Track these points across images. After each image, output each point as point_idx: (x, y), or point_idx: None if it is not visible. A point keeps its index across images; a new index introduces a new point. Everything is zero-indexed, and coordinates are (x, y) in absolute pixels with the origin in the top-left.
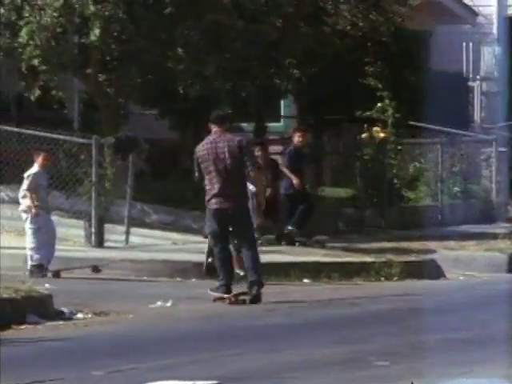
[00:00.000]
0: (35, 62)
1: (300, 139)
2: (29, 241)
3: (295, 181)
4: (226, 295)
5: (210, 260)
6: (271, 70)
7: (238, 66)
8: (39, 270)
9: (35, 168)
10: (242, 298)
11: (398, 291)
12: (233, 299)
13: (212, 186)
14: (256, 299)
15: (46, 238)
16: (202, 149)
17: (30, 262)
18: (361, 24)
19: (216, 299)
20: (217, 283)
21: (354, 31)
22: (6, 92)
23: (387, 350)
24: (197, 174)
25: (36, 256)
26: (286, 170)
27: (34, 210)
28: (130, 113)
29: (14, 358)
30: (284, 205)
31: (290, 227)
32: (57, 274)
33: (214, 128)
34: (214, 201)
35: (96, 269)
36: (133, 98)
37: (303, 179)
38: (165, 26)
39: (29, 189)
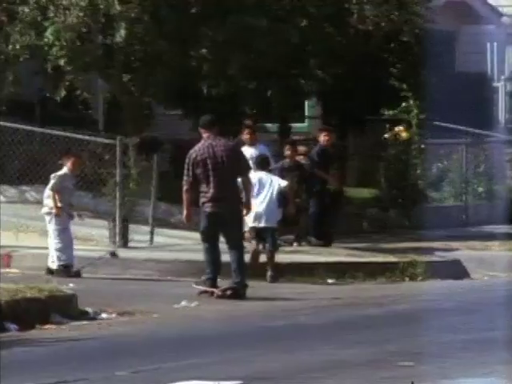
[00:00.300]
0: (61, 62)
1: (326, 138)
2: (55, 241)
3: (331, 179)
4: (213, 289)
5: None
6: (295, 71)
7: (263, 67)
8: (67, 270)
9: (63, 170)
10: (228, 292)
11: (423, 291)
12: (219, 293)
13: (208, 189)
14: (240, 297)
15: (70, 238)
16: (198, 153)
17: (57, 263)
18: (383, 24)
19: (201, 293)
20: (202, 277)
21: (376, 31)
22: (31, 92)
23: (412, 350)
24: (189, 178)
25: (63, 256)
26: (318, 172)
27: (54, 211)
28: (155, 113)
29: (37, 357)
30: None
31: (312, 239)
32: (77, 274)
33: (205, 133)
34: (209, 204)
35: (114, 254)
36: (157, 98)
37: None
38: (189, 25)
39: (52, 189)
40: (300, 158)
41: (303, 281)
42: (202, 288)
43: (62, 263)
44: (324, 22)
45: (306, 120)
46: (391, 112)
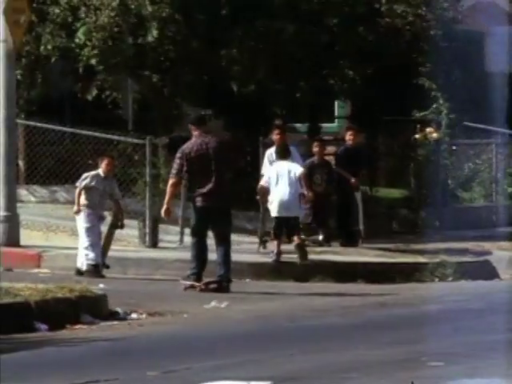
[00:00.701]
0: (93, 61)
1: (351, 137)
2: (83, 240)
3: (352, 180)
4: (196, 283)
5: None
6: (325, 71)
7: (292, 68)
8: (96, 269)
9: (97, 171)
10: (212, 286)
11: (453, 292)
12: (203, 287)
13: (202, 185)
14: (224, 291)
15: (98, 237)
16: (192, 150)
17: (86, 262)
18: (410, 19)
19: (187, 288)
20: (188, 272)
21: (405, 28)
22: (61, 92)
23: (441, 350)
24: (178, 173)
25: (91, 255)
26: (340, 170)
27: (75, 208)
28: (184, 113)
29: (68, 358)
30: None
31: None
32: (107, 266)
33: (196, 130)
34: (200, 199)
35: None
36: (187, 98)
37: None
38: (220, 27)
39: (78, 186)
40: (330, 158)
41: (333, 281)
42: (187, 283)
43: (90, 262)
44: (354, 21)
45: (336, 120)
46: (422, 113)
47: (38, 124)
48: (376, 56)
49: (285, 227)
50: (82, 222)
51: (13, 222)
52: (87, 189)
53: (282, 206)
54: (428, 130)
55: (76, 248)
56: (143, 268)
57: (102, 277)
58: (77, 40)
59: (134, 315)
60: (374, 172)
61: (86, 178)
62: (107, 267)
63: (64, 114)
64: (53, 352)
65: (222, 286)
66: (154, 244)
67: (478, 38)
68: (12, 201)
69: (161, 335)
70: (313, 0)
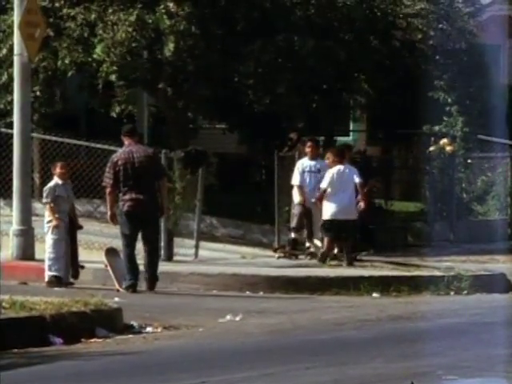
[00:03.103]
0: (112, 77)
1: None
2: (48, 251)
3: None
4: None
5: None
6: (341, 85)
7: (309, 83)
8: (58, 280)
9: (54, 180)
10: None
11: (468, 305)
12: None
13: (127, 191)
14: (151, 288)
15: (64, 250)
16: (120, 158)
17: (48, 273)
18: (432, 33)
19: (118, 290)
20: (124, 283)
21: (422, 42)
22: (76, 106)
23: (457, 364)
24: (110, 181)
25: (54, 267)
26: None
27: (53, 222)
28: (199, 127)
29: (83, 371)
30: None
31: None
32: (81, 266)
33: (127, 140)
34: (129, 205)
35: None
36: (202, 112)
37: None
38: (236, 41)
39: (46, 202)
40: None
41: (349, 294)
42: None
43: (53, 273)
44: (370, 35)
45: (351, 133)
46: (437, 128)
47: (53, 138)
48: (391, 69)
49: (343, 230)
50: (49, 233)
51: (28, 235)
52: (54, 200)
53: (339, 210)
54: (442, 141)
55: (91, 261)
56: (158, 281)
57: (67, 285)
58: (95, 56)
59: (149, 329)
60: (389, 185)
61: (50, 192)
62: (82, 267)
63: (79, 128)
64: (68, 366)
65: (152, 286)
66: (169, 257)
67: (493, 51)
68: (27, 215)
69: (176, 349)
70: (329, 15)
